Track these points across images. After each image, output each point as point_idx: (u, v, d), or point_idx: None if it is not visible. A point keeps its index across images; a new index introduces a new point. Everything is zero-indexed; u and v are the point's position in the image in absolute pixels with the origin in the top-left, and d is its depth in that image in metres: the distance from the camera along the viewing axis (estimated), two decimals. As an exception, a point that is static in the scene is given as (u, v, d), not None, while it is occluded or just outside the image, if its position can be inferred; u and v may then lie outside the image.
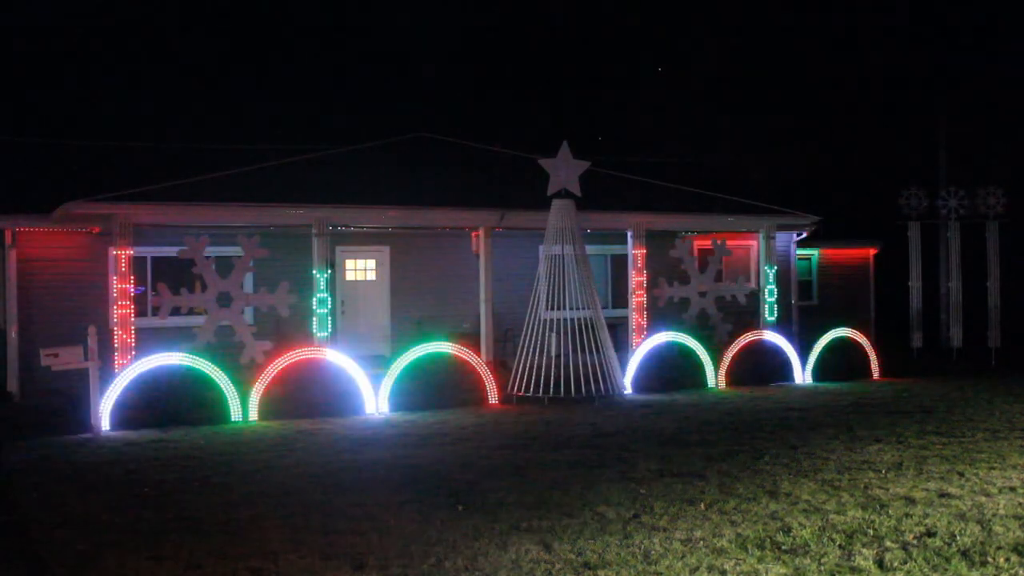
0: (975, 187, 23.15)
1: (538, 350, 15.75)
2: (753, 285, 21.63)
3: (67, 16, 39.84)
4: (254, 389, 14.16)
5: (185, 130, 30.27)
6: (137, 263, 16.41)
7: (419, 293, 20.06)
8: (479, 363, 15.90)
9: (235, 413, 13.98)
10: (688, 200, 20.71)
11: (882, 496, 8.77)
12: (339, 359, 14.88)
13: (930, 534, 7.52)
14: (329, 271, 16.93)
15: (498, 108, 40.91)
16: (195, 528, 8.04)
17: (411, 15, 45.66)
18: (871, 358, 18.97)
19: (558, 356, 15.79)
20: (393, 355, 16.70)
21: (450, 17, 44.66)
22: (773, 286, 20.14)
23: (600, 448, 11.47)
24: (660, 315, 19.36)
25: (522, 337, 16.02)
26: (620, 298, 20.70)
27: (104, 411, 13.31)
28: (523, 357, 15.85)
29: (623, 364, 16.82)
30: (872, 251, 25.54)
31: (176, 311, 15.97)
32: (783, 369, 18.16)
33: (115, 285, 15.71)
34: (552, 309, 16.04)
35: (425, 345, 15.40)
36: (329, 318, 16.75)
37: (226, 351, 15.48)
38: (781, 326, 20.01)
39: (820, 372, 18.29)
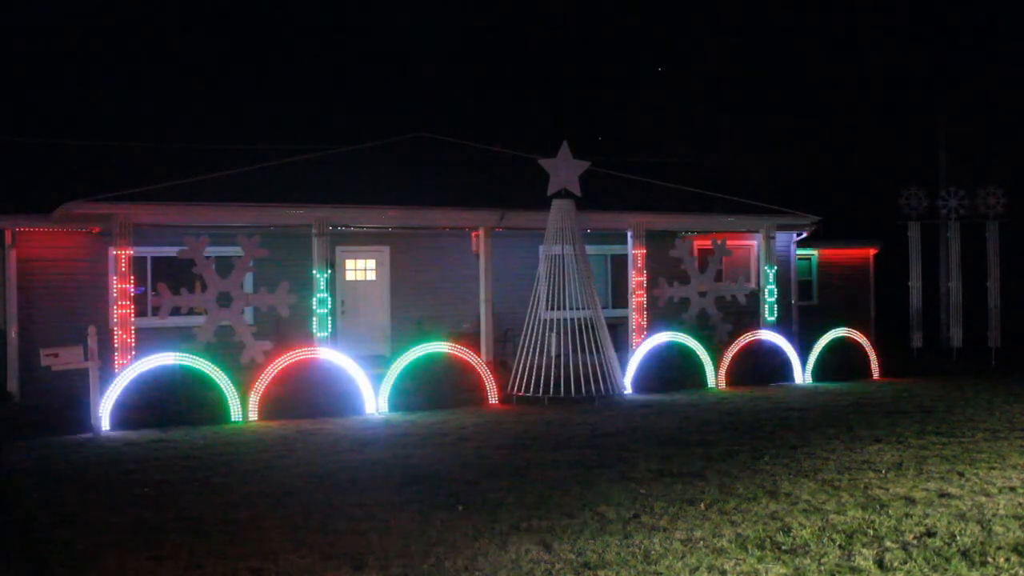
0: (975, 187, 23.15)
1: (538, 350, 15.75)
2: (753, 285, 21.63)
3: (67, 16, 39.88)
4: (254, 389, 14.16)
5: (185, 130, 30.30)
6: (137, 263, 16.41)
7: (419, 293, 20.06)
8: (479, 363, 15.90)
9: (235, 413, 13.98)
10: (688, 200, 20.71)
11: (882, 496, 8.77)
12: (339, 359, 14.88)
13: (930, 534, 7.52)
14: (329, 271, 16.93)
15: (498, 108, 40.93)
16: (195, 528, 8.04)
17: (411, 15, 45.70)
18: (871, 358, 18.97)
19: (558, 356, 15.79)
20: (393, 355, 16.70)
21: (450, 17, 44.68)
22: (773, 286, 20.13)
23: (600, 448, 11.47)
24: (660, 315, 19.36)
25: (522, 337, 16.02)
26: (620, 298, 20.70)
27: (104, 411, 13.31)
28: (523, 357, 15.85)
29: (623, 364, 16.82)
30: (872, 251, 25.54)
31: (176, 311, 15.98)
32: (783, 369, 18.16)
33: (115, 285, 15.71)
34: (552, 309, 16.04)
35: (425, 345, 15.40)
36: (329, 318, 16.75)
37: (226, 351, 15.49)
38: (781, 326, 20.01)
39: (820, 372, 18.29)
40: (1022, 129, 34.14)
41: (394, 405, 14.87)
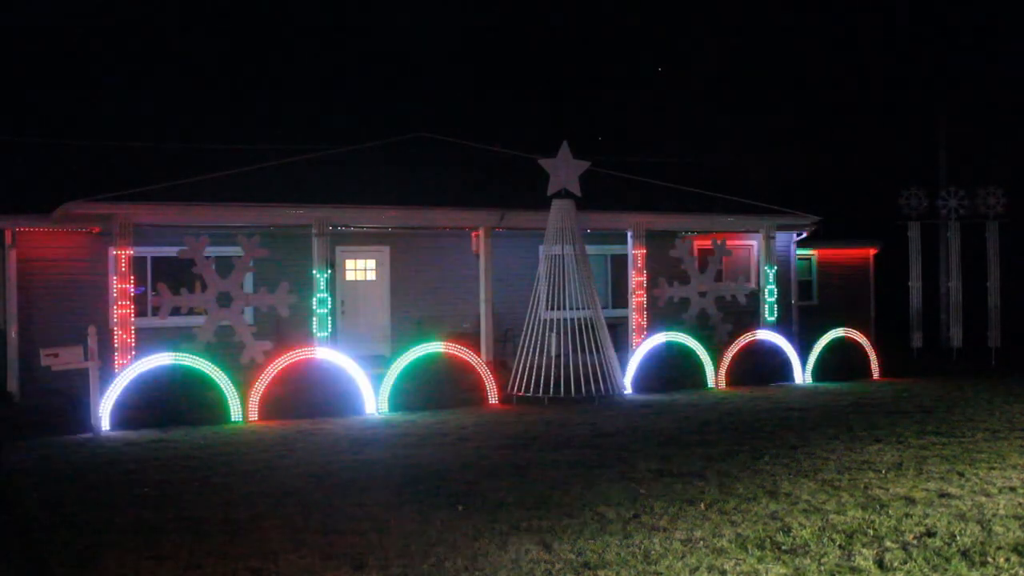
0: (975, 187, 23.14)
1: (538, 350, 15.75)
2: (753, 285, 21.63)
3: (67, 16, 39.88)
4: (254, 389, 14.15)
5: (185, 130, 30.29)
6: (137, 263, 16.41)
7: (419, 293, 20.07)
8: (479, 363, 15.90)
9: (235, 413, 13.98)
10: (688, 200, 20.71)
11: (882, 496, 8.77)
12: (339, 359, 14.88)
13: (930, 534, 7.52)
14: (329, 271, 16.93)
15: (498, 108, 40.94)
16: (195, 528, 8.04)
17: (411, 15, 45.70)
18: (871, 358, 18.97)
19: (558, 356, 15.79)
20: (393, 355, 16.71)
21: (450, 17, 44.68)
22: (773, 286, 20.13)
23: (600, 448, 11.47)
24: (660, 315, 19.36)
25: (522, 337, 16.02)
26: (620, 298, 20.70)
27: (104, 411, 13.31)
28: (523, 357, 15.85)
29: (623, 364, 16.81)
30: (872, 251, 25.54)
31: (176, 311, 15.98)
32: (783, 369, 18.16)
33: (115, 285, 15.71)
34: (552, 309, 16.04)
35: (425, 345, 15.40)
36: (329, 318, 16.75)
37: (226, 351, 15.49)
38: (781, 326, 20.01)
39: (820, 372, 18.29)
40: (1022, 129, 34.14)
41: (394, 405, 14.87)
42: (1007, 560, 6.87)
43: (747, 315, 20.78)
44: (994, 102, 35.77)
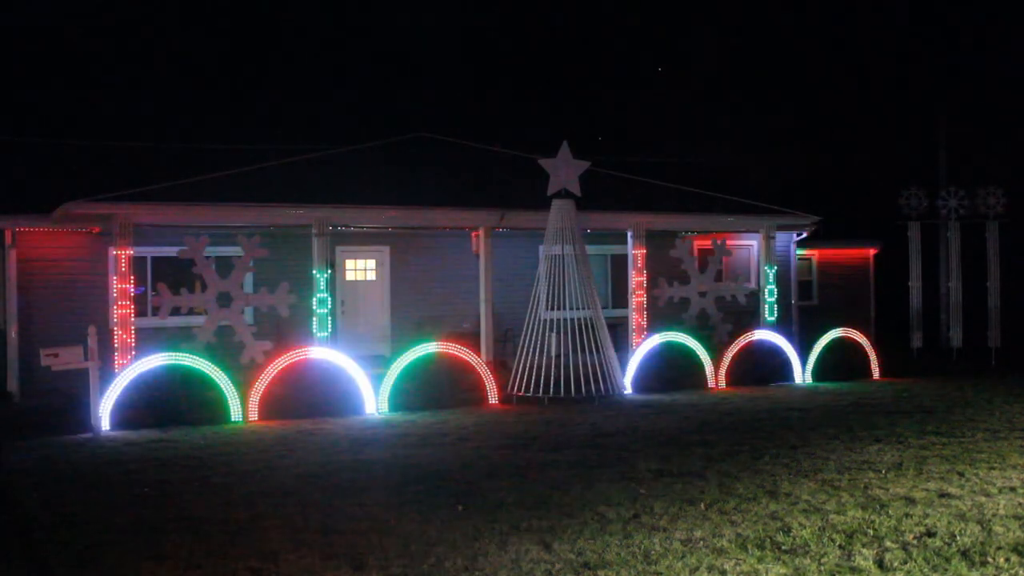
0: (975, 187, 23.15)
1: (538, 350, 15.75)
2: (753, 285, 21.64)
3: (67, 16, 39.88)
4: (254, 389, 14.15)
5: (185, 130, 30.30)
6: (137, 263, 16.41)
7: (419, 293, 20.07)
8: (479, 363, 15.90)
9: (235, 413, 13.98)
10: (688, 200, 20.71)
11: (882, 496, 8.77)
12: (339, 359, 14.88)
13: (930, 534, 7.52)
14: (329, 271, 16.93)
15: (498, 108, 40.94)
16: (195, 528, 8.04)
17: (411, 15, 45.69)
18: (871, 358, 18.96)
19: (558, 356, 15.78)
20: (393, 355, 16.70)
21: (450, 17, 44.67)
22: (773, 286, 20.13)
23: (600, 448, 11.47)
24: (660, 315, 19.36)
25: (522, 337, 16.02)
26: (620, 298, 20.69)
27: (104, 411, 13.31)
28: (523, 357, 15.85)
29: (623, 364, 16.81)
30: (872, 251, 25.54)
31: (176, 311, 15.98)
32: (783, 369, 18.15)
33: (115, 285, 15.71)
34: (552, 309, 16.04)
35: (425, 345, 15.39)
36: (329, 318, 16.75)
37: (226, 351, 15.49)
38: (781, 326, 20.01)
39: (820, 372, 18.28)
40: (1022, 129, 34.14)
41: (394, 405, 14.87)
42: (1007, 560, 6.87)
43: (747, 315, 20.78)
44: (994, 102, 35.78)
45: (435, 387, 15.59)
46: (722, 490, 9.07)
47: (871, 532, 7.60)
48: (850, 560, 6.91)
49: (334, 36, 45.06)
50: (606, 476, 9.80)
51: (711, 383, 17.45)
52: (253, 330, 16.06)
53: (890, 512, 8.17)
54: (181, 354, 13.99)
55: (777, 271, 20.50)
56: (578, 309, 15.95)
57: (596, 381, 15.73)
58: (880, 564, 6.82)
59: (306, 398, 14.56)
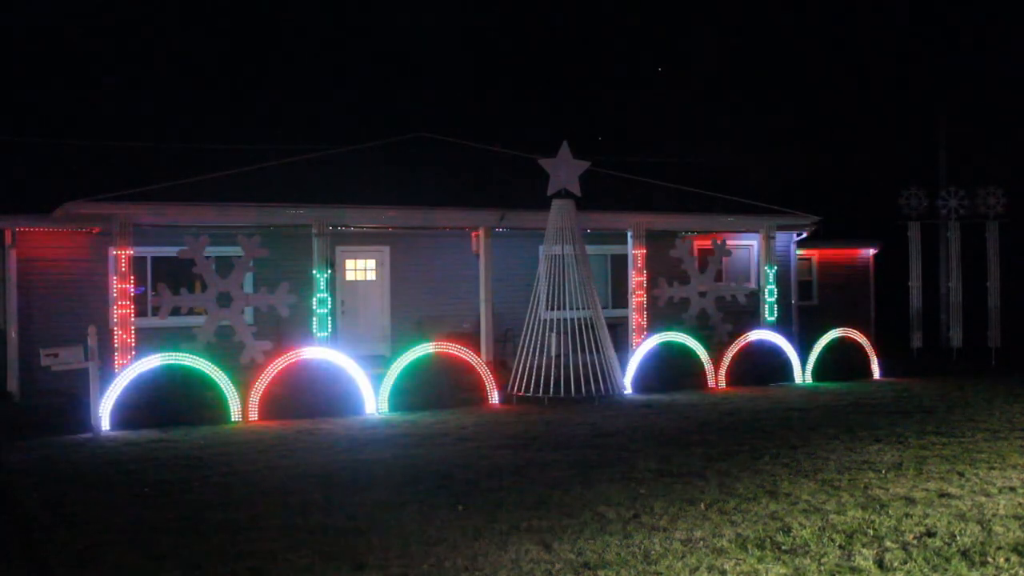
0: (975, 187, 23.15)
1: (538, 350, 15.75)
2: (753, 285, 21.65)
3: (67, 16, 39.87)
4: (254, 389, 14.15)
5: (185, 130, 30.29)
6: (137, 263, 16.41)
7: (419, 293, 20.07)
8: (479, 363, 15.90)
9: (235, 413, 13.98)
10: (688, 200, 20.72)
11: (882, 496, 8.77)
12: (339, 359, 14.88)
13: (930, 534, 7.52)
14: (329, 271, 16.94)
15: (498, 108, 40.94)
16: (195, 528, 8.04)
17: (411, 15, 45.69)
18: (871, 358, 18.97)
19: (558, 356, 15.79)
20: (393, 355, 16.70)
21: (450, 17, 44.67)
22: (773, 286, 20.13)
23: (600, 448, 11.47)
24: (660, 315, 19.36)
25: (522, 337, 16.02)
26: (620, 298, 20.69)
27: (104, 411, 13.30)
28: (523, 357, 15.85)
29: (623, 364, 16.81)
30: (872, 251, 25.54)
31: (176, 311, 15.99)
32: (783, 369, 18.15)
33: (115, 285, 15.71)
34: (552, 309, 16.04)
35: (425, 345, 15.39)
36: (329, 318, 16.75)
37: (226, 351, 15.49)
38: (781, 326, 20.01)
39: (820, 372, 18.28)
40: (1022, 129, 34.14)
41: (394, 405, 14.87)
42: (1007, 560, 6.87)
43: (747, 315, 20.78)
44: (994, 102, 35.77)
45: (435, 387, 15.59)
46: (722, 490, 9.07)
47: (871, 532, 7.60)
48: (850, 560, 6.91)
49: (334, 36, 45.09)
50: (606, 476, 9.80)
51: (711, 383, 17.45)
52: (253, 330, 16.06)
53: (890, 512, 8.17)
54: (181, 354, 13.99)
55: (777, 271, 20.50)
56: (578, 309, 15.95)
57: (596, 381, 15.73)
58: (880, 564, 6.82)
59: (306, 398, 14.56)
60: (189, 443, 12.21)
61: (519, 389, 15.74)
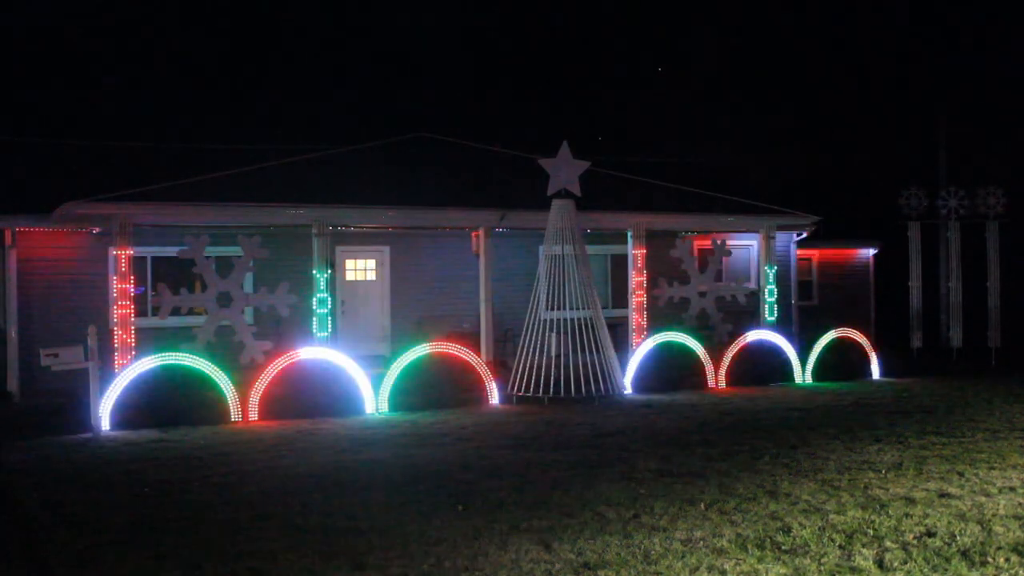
0: (975, 187, 23.15)
1: (538, 350, 15.75)
2: (753, 285, 21.64)
3: (67, 16, 39.87)
4: (254, 389, 14.15)
5: (185, 130, 30.29)
6: (137, 263, 16.41)
7: (419, 293, 20.07)
8: (479, 363, 15.90)
9: (235, 413, 13.98)
10: (688, 200, 20.72)
11: (882, 496, 8.77)
12: (339, 359, 14.88)
13: (930, 534, 7.52)
14: (329, 271, 16.94)
15: (498, 108, 40.93)
16: (195, 528, 8.04)
17: (411, 15, 45.69)
18: (871, 358, 18.97)
19: (558, 356, 15.78)
20: (393, 355, 16.70)
21: (450, 17, 44.67)
22: (773, 286, 20.13)
23: (600, 448, 11.47)
24: (660, 315, 19.35)
25: (522, 337, 16.02)
26: (620, 298, 20.69)
27: (104, 411, 13.31)
28: (523, 357, 15.85)
29: (623, 364, 16.81)
30: (872, 251, 25.54)
31: (176, 311, 15.99)
32: (783, 369, 18.15)
33: (115, 285, 15.71)
34: (552, 309, 16.04)
35: (425, 345, 15.40)
36: (329, 318, 16.76)
37: (226, 351, 15.50)
38: (781, 326, 20.01)
39: (820, 372, 18.28)
40: (1022, 129, 34.14)
41: (394, 405, 14.87)
42: (1007, 560, 6.87)
43: (747, 315, 20.78)
44: (994, 102, 35.77)
45: (435, 387, 15.59)
46: (722, 490, 9.07)
47: (871, 532, 7.60)
48: (850, 560, 6.91)
49: (334, 36, 45.07)
50: (606, 476, 9.80)
51: (711, 383, 17.45)
52: (253, 330, 16.06)
53: (890, 512, 8.17)
54: (181, 354, 13.99)
55: (777, 271, 20.50)
56: (578, 309, 15.95)
57: (596, 381, 15.73)
58: (880, 564, 6.82)
59: (306, 398, 14.56)
60: (189, 443, 12.21)
61: (519, 389, 15.74)
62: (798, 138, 37.05)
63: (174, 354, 13.93)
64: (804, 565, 6.81)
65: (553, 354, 15.81)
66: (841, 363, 18.57)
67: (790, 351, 18.27)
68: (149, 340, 16.27)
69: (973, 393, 16.24)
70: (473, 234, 19.61)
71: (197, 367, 13.89)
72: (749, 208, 20.45)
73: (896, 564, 6.81)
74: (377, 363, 17.38)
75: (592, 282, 16.56)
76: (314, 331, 16.53)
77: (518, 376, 15.85)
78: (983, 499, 8.61)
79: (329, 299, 16.81)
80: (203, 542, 7.62)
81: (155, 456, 11.35)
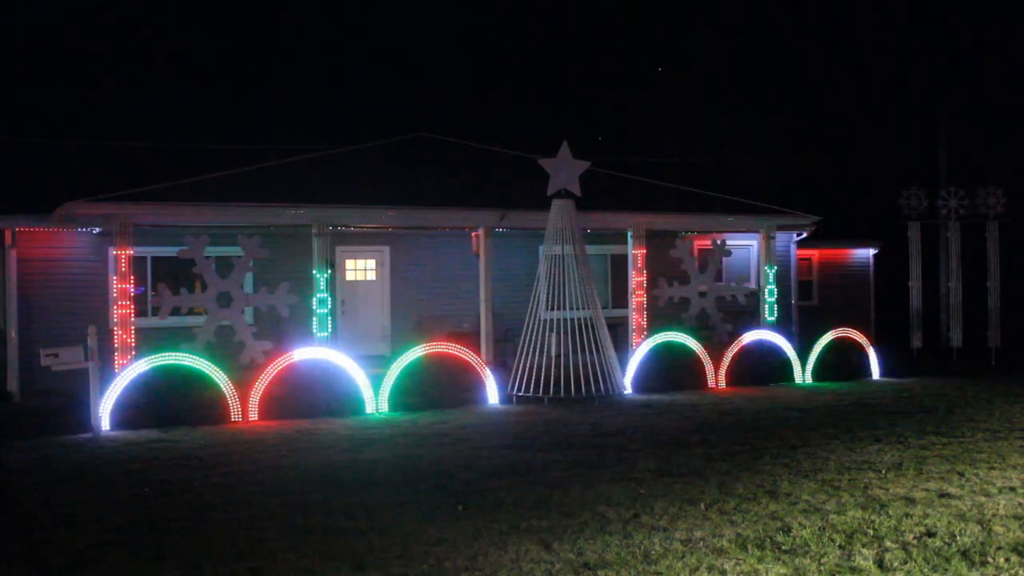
0: (975, 187, 23.15)
1: (538, 350, 15.75)
2: (753, 285, 21.64)
3: (67, 16, 39.87)
4: (254, 389, 14.15)
5: (185, 130, 30.28)
6: (137, 263, 16.41)
7: (419, 293, 20.07)
8: (479, 363, 15.90)
9: (235, 413, 13.98)
10: (688, 200, 20.72)
11: (882, 496, 8.77)
12: (339, 359, 14.88)
13: (930, 534, 7.52)
14: (329, 271, 16.94)
15: (498, 108, 40.92)
16: (195, 528, 8.04)
17: (411, 15, 45.68)
18: (871, 358, 18.96)
19: (558, 356, 15.79)
20: (393, 355, 16.70)
21: (450, 17, 44.67)
22: (773, 286, 20.13)
23: (600, 448, 11.47)
24: (660, 315, 19.35)
25: (522, 337, 16.02)
26: (620, 298, 20.69)
27: (104, 411, 13.30)
28: (523, 357, 15.85)
29: (623, 364, 16.81)
30: (872, 251, 25.54)
31: (176, 311, 15.99)
32: (783, 369, 18.15)
33: (115, 285, 15.72)
34: (552, 309, 16.04)
35: (425, 345, 15.40)
36: (329, 318, 16.76)
37: (226, 351, 15.50)
38: (781, 326, 20.01)
39: (820, 372, 18.28)
40: (1022, 129, 34.14)
41: (394, 405, 14.87)
42: (1007, 560, 6.87)
43: (747, 315, 20.78)
44: (994, 102, 35.77)
45: (435, 387, 15.59)
46: (722, 490, 9.07)
47: (871, 532, 7.60)
48: (850, 560, 6.91)
49: (334, 36, 45.06)
50: (606, 476, 9.80)
51: (711, 383, 17.45)
52: (253, 330, 16.06)
53: (890, 512, 8.17)
54: (181, 354, 13.99)
55: (777, 271, 20.51)
56: (578, 309, 15.95)
57: (596, 381, 15.73)
58: (880, 564, 6.82)
59: (306, 398, 14.56)
60: (189, 443, 12.21)
61: (519, 389, 15.74)
62: (798, 138, 37.06)
63: (174, 354, 13.93)
64: (804, 565, 6.81)
65: (553, 354, 15.81)
66: (841, 363, 18.56)
67: (790, 351, 18.27)
68: (149, 340, 16.27)
69: (973, 393, 16.24)
70: (473, 234, 19.61)
71: (197, 367, 13.89)
72: (749, 208, 20.45)
73: (896, 564, 6.81)
74: (377, 363, 17.37)
75: (592, 282, 16.56)
76: (314, 331, 16.53)
77: (518, 376, 15.85)
78: (983, 499, 8.61)
79: (329, 299, 16.82)
80: (203, 542, 7.62)
81: (155, 456, 11.35)
